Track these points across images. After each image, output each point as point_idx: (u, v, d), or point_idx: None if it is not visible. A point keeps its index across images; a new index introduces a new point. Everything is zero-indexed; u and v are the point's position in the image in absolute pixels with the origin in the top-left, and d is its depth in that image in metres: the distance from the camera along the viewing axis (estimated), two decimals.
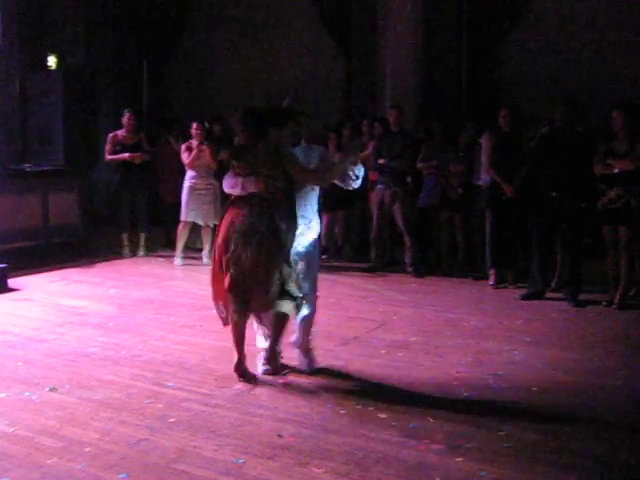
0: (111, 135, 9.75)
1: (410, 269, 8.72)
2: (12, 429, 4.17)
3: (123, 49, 13.03)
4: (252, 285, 4.84)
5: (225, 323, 5.07)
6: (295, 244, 5.06)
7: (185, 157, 9.20)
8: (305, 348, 5.26)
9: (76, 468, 3.68)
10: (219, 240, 4.97)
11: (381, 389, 4.88)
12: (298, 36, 12.19)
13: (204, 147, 9.14)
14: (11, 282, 7.87)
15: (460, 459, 3.83)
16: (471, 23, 11.05)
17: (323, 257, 9.56)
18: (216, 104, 11.98)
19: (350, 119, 10.53)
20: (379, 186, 8.89)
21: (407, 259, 8.81)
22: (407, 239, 8.78)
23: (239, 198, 4.94)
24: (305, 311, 5.12)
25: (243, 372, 4.99)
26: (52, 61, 12.21)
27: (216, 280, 5.02)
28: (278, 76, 12.07)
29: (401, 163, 8.71)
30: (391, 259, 9.18)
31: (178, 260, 9.23)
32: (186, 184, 9.22)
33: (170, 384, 4.86)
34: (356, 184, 5.30)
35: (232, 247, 4.84)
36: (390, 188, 8.77)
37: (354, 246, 9.90)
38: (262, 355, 5.19)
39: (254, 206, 4.85)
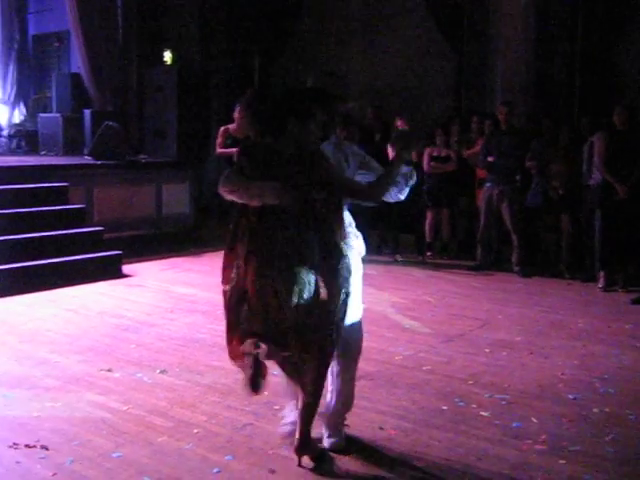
0: (222, 129, 9.95)
1: (516, 268, 8.60)
2: (125, 407, 4.37)
3: (236, 45, 13.30)
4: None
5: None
6: None
7: None
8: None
9: (184, 447, 3.83)
10: (230, 276, 3.58)
11: (484, 387, 4.86)
12: (408, 32, 12.14)
13: None
14: (125, 269, 8.22)
15: (563, 461, 3.79)
16: (586, 20, 10.75)
17: (428, 254, 9.57)
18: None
19: (459, 116, 10.46)
20: (487, 184, 8.80)
21: (513, 258, 8.69)
22: (514, 238, 8.67)
23: (250, 210, 3.50)
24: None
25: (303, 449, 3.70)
26: (167, 56, 12.58)
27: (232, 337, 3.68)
28: (387, 73, 12.07)
29: (510, 161, 8.59)
30: (497, 258, 9.08)
31: None
32: None
33: (275, 372, 4.98)
34: (403, 194, 4.10)
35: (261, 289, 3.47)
36: (499, 186, 8.66)
37: (460, 243, 9.84)
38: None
39: (288, 223, 3.47)
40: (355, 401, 4.41)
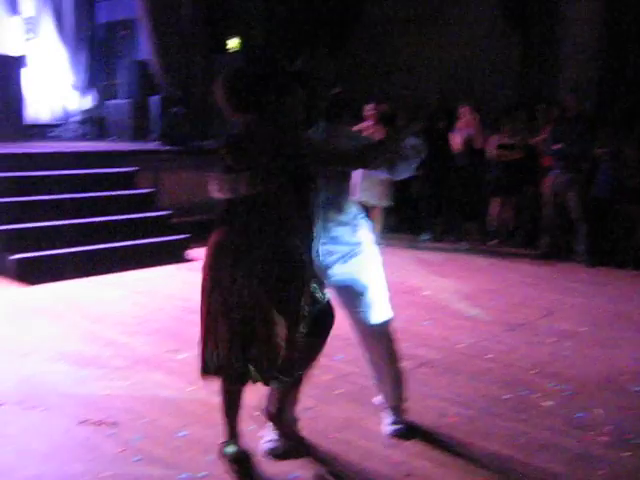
0: None
1: (582, 258, 8.48)
2: (191, 388, 4.47)
3: (300, 31, 13.32)
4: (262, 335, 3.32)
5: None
6: (334, 264, 3.67)
7: None
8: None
9: (247, 429, 3.90)
10: (204, 270, 3.56)
11: (546, 377, 4.82)
12: (473, 16, 12.01)
13: (379, 128, 9.27)
14: (192, 253, 8.37)
15: (627, 454, 3.74)
16: None
17: (492, 242, 9.51)
18: (390, 85, 12.06)
19: (525, 103, 10.32)
20: (554, 172, 8.68)
21: (579, 248, 8.57)
22: (581, 227, 8.54)
23: (230, 205, 3.38)
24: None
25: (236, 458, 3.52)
26: (234, 42, 12.68)
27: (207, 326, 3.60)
28: (453, 60, 11.96)
29: (577, 149, 8.45)
30: (562, 247, 8.96)
31: None
32: None
33: (338, 357, 5.03)
34: (412, 169, 3.77)
35: (225, 280, 3.41)
36: (565, 174, 8.54)
37: (525, 232, 9.73)
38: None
39: (251, 215, 3.31)
40: (416, 388, 4.44)
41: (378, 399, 4.00)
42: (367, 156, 3.44)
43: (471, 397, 4.46)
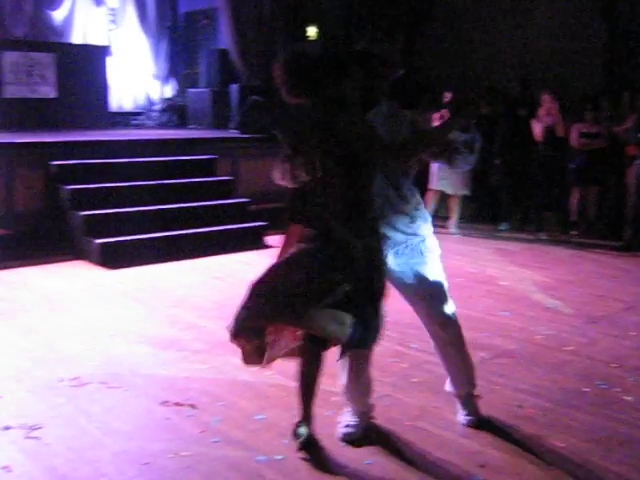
0: None
1: None
2: (269, 373, 4.52)
3: (379, 23, 13.25)
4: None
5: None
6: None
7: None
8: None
9: (325, 414, 3.93)
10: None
11: (627, 371, 4.71)
12: (558, 5, 11.72)
13: None
14: (269, 240, 8.45)
15: None
16: None
17: (573, 233, 9.32)
18: (468, 73, 11.91)
19: (609, 91, 10.06)
20: (638, 161, 8.45)
21: None
22: None
23: (297, 193, 3.36)
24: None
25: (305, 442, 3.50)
26: (312, 32, 12.70)
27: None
28: (533, 44, 11.73)
29: None
30: None
31: None
32: None
33: (414, 346, 5.02)
34: (468, 163, 3.67)
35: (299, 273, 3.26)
36: None
37: (607, 223, 9.51)
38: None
39: (319, 204, 3.25)
40: (493, 378, 4.41)
41: (449, 386, 3.98)
42: (408, 150, 3.21)
43: (549, 389, 4.40)
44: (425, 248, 3.64)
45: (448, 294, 3.75)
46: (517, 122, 9.62)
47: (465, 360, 3.90)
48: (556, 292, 6.62)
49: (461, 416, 3.91)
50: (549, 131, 9.31)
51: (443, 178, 9.30)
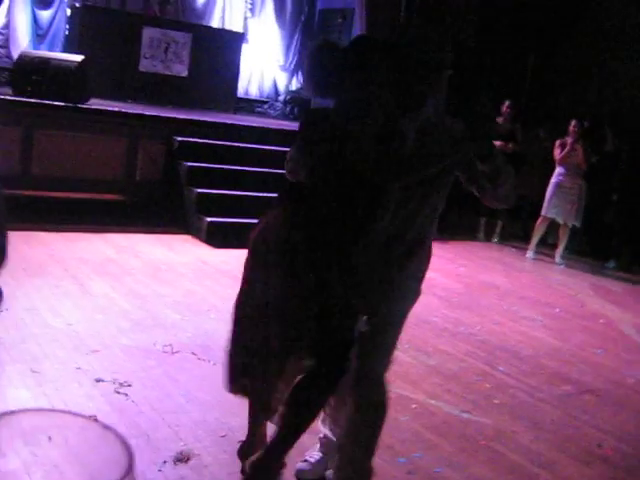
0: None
1: None
2: None
3: (512, 39, 13.08)
4: None
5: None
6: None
7: (557, 153, 9.14)
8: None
9: (401, 419, 3.98)
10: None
11: None
12: None
13: (578, 146, 9.02)
14: None
15: None
16: None
17: None
18: (599, 103, 11.63)
19: None
20: None
21: None
22: None
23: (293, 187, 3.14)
24: None
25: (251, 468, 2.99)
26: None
27: None
28: None
29: None
30: None
31: (530, 253, 9.23)
32: (553, 180, 9.19)
33: (501, 368, 4.99)
34: (499, 200, 2.83)
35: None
36: None
37: None
38: None
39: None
40: (576, 414, 4.37)
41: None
42: (401, 171, 2.65)
43: (632, 434, 4.30)
44: (400, 290, 3.00)
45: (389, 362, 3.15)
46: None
47: (360, 458, 3.09)
48: None
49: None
50: None
51: (555, 206, 9.14)
